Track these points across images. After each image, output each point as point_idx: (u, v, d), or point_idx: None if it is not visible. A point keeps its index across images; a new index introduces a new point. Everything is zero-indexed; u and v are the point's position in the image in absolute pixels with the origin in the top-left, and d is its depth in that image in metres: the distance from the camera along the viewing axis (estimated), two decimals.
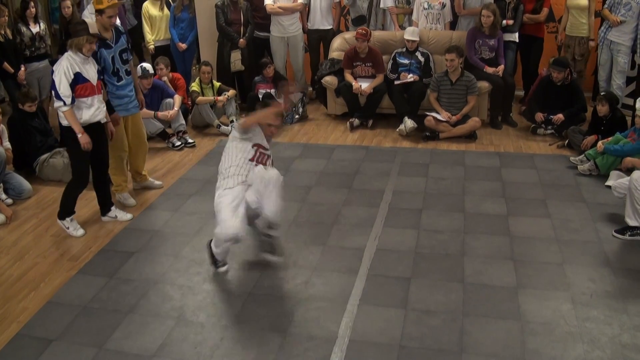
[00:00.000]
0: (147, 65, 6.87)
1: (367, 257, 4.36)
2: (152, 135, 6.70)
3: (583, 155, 5.83)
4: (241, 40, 7.83)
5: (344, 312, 3.74)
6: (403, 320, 3.64)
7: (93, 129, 4.75)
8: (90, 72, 4.67)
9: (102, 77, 4.92)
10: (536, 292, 3.88)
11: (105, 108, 4.85)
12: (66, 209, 4.89)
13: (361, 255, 4.39)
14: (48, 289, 4.13)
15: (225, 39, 7.88)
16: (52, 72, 4.60)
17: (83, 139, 4.62)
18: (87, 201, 5.29)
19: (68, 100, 4.53)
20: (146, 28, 8.00)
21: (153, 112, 6.74)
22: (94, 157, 4.88)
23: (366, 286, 4.00)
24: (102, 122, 4.86)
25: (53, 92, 4.58)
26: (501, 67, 7.04)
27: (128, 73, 5.24)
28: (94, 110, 4.71)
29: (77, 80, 4.55)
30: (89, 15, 7.32)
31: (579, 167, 5.75)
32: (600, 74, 7.38)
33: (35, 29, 7.21)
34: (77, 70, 4.55)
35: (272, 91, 7.43)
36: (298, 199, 5.35)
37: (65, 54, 4.60)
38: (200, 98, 7.33)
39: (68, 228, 4.84)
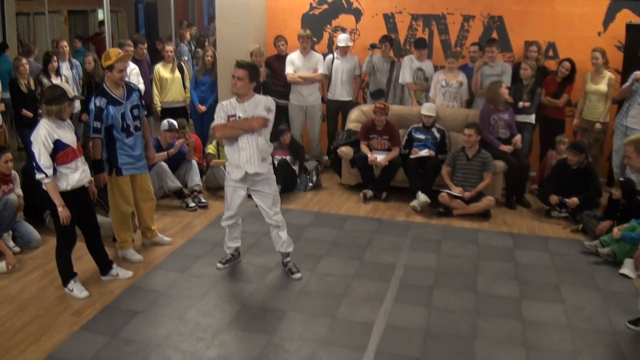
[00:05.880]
0: (173, 121, 7.03)
1: (376, 333, 4.26)
2: (168, 193, 6.71)
3: (597, 240, 5.77)
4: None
5: None
6: None
7: (78, 192, 4.64)
8: (69, 136, 4.54)
9: (99, 136, 5.03)
10: None
11: (88, 170, 4.76)
12: (66, 274, 4.79)
13: (370, 330, 4.28)
14: (49, 343, 4.05)
15: None
16: (31, 143, 4.45)
17: (63, 213, 4.49)
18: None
19: (50, 172, 4.40)
20: (155, 90, 8.17)
21: (166, 152, 6.73)
22: (82, 221, 4.79)
23: None
24: (86, 185, 4.76)
25: (33, 164, 4.43)
26: (518, 137, 7.06)
27: (137, 129, 5.24)
28: (79, 173, 4.59)
29: (58, 148, 4.43)
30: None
31: (599, 250, 5.66)
32: (614, 160, 7.37)
33: (56, 81, 7.34)
34: (56, 137, 4.42)
35: (288, 158, 7.47)
36: (308, 267, 5.28)
37: (41, 122, 4.47)
38: (214, 161, 7.38)
39: (72, 290, 4.73)
